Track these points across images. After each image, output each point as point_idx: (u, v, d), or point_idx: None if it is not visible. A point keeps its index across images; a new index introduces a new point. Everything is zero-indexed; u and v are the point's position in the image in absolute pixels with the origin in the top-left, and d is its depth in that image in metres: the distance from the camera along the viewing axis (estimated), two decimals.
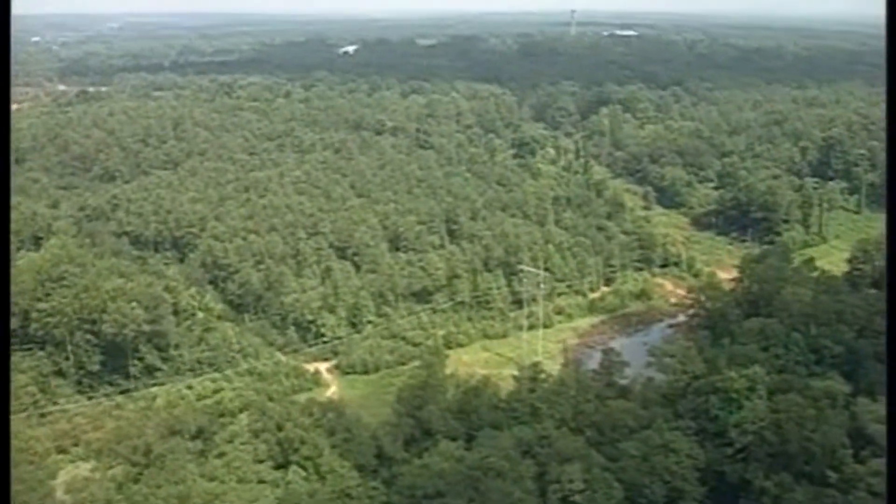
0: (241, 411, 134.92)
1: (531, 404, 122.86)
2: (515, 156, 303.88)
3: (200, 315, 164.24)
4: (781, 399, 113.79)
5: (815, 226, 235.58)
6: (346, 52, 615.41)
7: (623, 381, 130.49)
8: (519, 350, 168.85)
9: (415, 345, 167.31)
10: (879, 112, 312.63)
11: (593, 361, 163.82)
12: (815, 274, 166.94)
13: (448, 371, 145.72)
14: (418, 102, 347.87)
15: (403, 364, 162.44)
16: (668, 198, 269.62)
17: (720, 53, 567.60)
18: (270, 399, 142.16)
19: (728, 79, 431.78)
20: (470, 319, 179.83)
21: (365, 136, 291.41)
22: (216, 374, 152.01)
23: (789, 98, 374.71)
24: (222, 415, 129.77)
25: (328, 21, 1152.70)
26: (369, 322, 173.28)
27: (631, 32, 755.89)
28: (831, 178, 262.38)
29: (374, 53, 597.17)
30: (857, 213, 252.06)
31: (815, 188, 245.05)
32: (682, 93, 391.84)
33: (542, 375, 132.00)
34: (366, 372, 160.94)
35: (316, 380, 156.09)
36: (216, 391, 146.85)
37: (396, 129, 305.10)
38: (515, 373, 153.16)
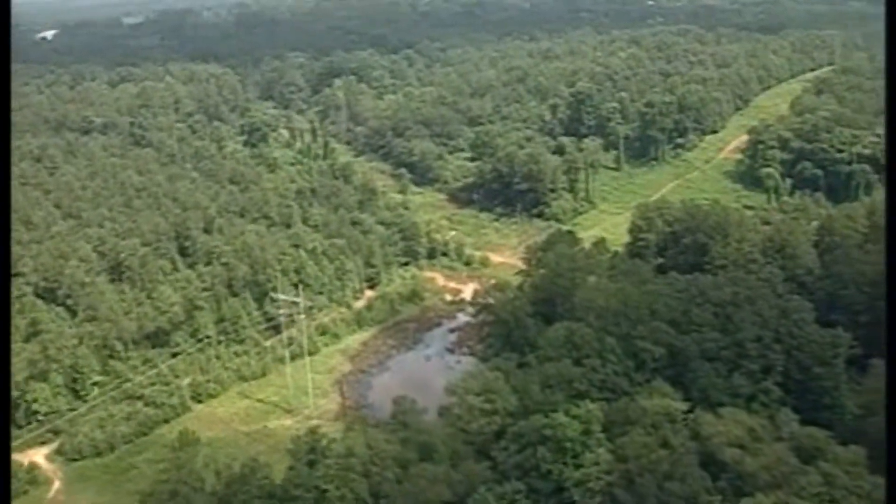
0: None
1: (315, 486, 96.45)
2: (246, 143, 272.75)
3: None
4: (625, 442, 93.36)
5: (581, 191, 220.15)
6: (43, 38, 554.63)
7: (423, 436, 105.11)
8: (284, 391, 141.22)
9: (156, 405, 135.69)
10: (618, 61, 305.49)
11: (374, 394, 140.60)
12: (609, 256, 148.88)
13: (203, 435, 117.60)
14: (129, 92, 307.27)
15: (145, 434, 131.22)
16: (421, 174, 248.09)
17: (443, 10, 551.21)
18: None
19: (458, 36, 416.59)
20: (219, 359, 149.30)
21: (70, 138, 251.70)
22: None
23: (524, 52, 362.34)
24: None
25: (22, 2, 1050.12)
26: (95, 385, 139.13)
27: None
28: (585, 136, 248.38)
29: (76, 37, 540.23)
30: (617, 169, 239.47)
31: (580, 150, 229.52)
32: (415, 55, 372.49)
33: (324, 442, 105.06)
34: (98, 454, 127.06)
35: (32, 477, 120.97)
36: None
37: (107, 127, 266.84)
38: (287, 423, 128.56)
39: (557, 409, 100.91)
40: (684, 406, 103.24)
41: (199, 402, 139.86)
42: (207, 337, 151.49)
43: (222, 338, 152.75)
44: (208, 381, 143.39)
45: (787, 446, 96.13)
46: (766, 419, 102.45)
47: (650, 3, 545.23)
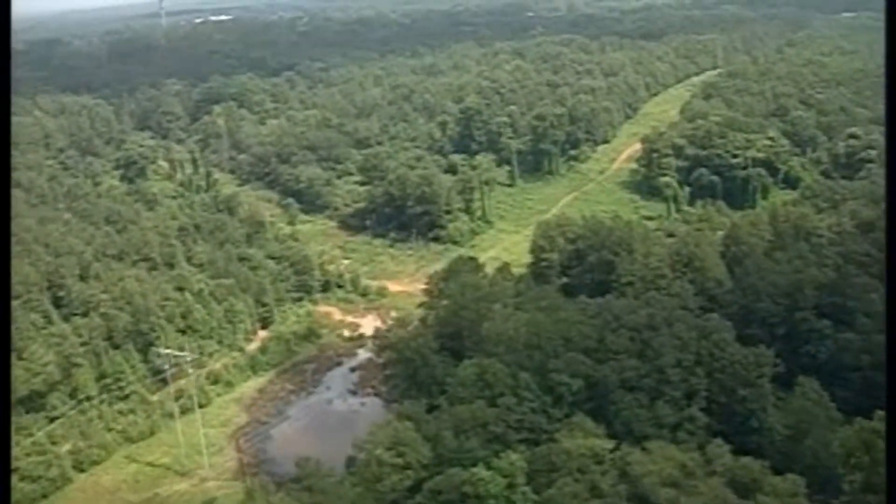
0: None
1: None
2: (123, 178, 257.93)
3: None
4: (553, 494, 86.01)
5: (477, 210, 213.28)
6: None
7: (330, 499, 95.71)
8: (175, 450, 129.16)
9: (33, 479, 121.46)
10: (504, 74, 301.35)
11: (274, 447, 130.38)
12: (514, 282, 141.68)
13: None
14: None
15: None
16: (309, 202, 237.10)
17: (323, 29, 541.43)
18: None
19: (340, 55, 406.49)
20: (102, 419, 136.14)
21: None
22: None
23: (408, 68, 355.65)
24: None
25: None
26: None
27: (226, 17, 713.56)
28: (477, 152, 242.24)
29: None
30: (511, 185, 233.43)
31: (472, 168, 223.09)
32: (297, 77, 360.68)
33: None
34: None
35: None
36: None
37: None
38: (181, 488, 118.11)
39: (475, 458, 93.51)
40: (610, 444, 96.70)
41: (82, 470, 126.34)
42: (88, 398, 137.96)
43: (104, 396, 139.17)
44: (91, 446, 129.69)
45: (722, 481, 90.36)
46: (697, 451, 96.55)
47: (530, 14, 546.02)
